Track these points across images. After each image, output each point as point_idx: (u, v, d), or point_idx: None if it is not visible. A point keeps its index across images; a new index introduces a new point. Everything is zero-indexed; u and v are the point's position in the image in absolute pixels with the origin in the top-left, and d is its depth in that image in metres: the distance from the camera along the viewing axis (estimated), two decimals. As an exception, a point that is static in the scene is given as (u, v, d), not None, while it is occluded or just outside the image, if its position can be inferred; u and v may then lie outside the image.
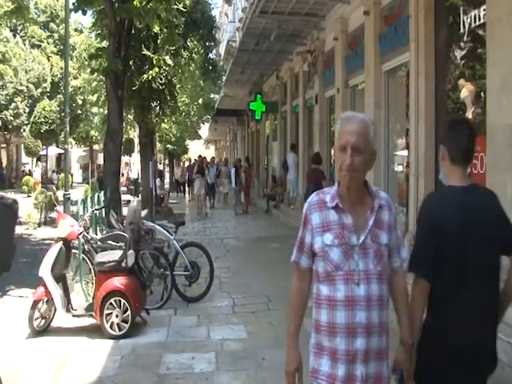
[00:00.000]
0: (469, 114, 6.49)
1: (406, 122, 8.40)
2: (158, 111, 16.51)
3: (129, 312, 5.54)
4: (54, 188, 19.60)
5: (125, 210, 8.98)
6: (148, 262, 7.03)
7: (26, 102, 34.04)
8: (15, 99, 33.04)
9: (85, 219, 6.68)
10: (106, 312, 5.53)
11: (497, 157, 5.38)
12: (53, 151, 36.94)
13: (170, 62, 15.26)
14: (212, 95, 29.66)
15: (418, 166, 7.37)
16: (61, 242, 5.81)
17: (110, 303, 5.55)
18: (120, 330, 5.54)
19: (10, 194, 29.20)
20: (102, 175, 14.86)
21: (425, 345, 2.34)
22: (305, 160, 15.26)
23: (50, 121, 31.95)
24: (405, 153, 8.49)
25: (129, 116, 20.59)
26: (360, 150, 2.14)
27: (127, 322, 5.55)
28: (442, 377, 2.32)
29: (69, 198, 11.43)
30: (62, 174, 24.69)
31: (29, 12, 11.97)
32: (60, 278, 5.74)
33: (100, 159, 39.94)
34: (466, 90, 6.60)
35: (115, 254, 5.92)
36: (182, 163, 39.70)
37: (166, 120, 20.82)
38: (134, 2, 9.04)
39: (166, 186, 30.22)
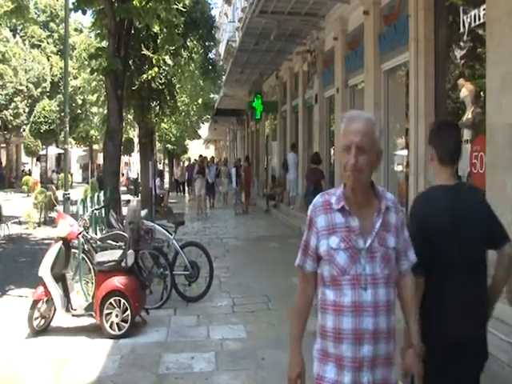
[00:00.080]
0: (468, 114, 6.50)
1: (406, 122, 8.40)
2: (157, 111, 16.49)
3: (128, 312, 5.54)
4: (54, 188, 19.56)
5: (124, 210, 8.97)
6: (148, 261, 7.03)
7: (25, 101, 34.08)
8: (15, 99, 33.07)
9: (84, 219, 6.68)
10: (105, 312, 5.52)
11: (496, 156, 5.38)
12: (52, 151, 36.91)
13: (169, 61, 15.25)
14: (212, 95, 29.65)
15: (417, 166, 7.37)
16: (60, 242, 5.81)
17: (110, 303, 5.55)
18: (120, 329, 5.54)
19: (10, 194, 29.24)
20: (102, 175, 14.88)
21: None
22: (304, 160, 15.27)
23: (49, 121, 31.92)
24: (404, 152, 8.50)
25: (128, 116, 20.59)
26: (365, 150, 2.07)
27: (127, 322, 5.54)
28: (435, 369, 2.36)
29: (68, 198, 11.45)
30: (62, 174, 24.69)
31: (28, 12, 11.97)
32: (60, 278, 5.74)
33: (100, 159, 39.94)
34: (465, 90, 6.60)
35: (115, 254, 5.92)
36: (181, 163, 39.70)
37: (165, 120, 20.81)
38: (134, 2, 9.03)
39: (166, 185, 30.23)
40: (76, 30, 40.15)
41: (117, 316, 5.54)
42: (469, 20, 6.28)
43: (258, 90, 21.82)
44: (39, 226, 14.81)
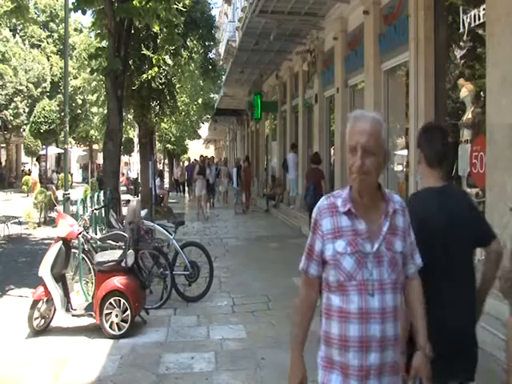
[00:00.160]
0: (468, 114, 6.50)
1: (406, 122, 8.41)
2: (157, 111, 16.50)
3: (128, 312, 5.54)
4: (54, 188, 19.58)
5: (124, 210, 8.98)
6: (148, 261, 7.03)
7: (25, 101, 34.05)
8: (15, 99, 33.06)
9: (84, 219, 6.68)
10: (105, 312, 5.53)
11: (496, 156, 5.38)
12: (52, 151, 36.90)
13: (169, 61, 15.25)
14: (212, 95, 29.66)
15: (417, 166, 7.37)
16: (60, 242, 5.81)
17: (110, 303, 5.55)
18: (119, 329, 5.54)
19: (10, 194, 29.25)
20: (102, 175, 14.88)
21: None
22: (304, 160, 15.27)
23: (49, 120, 31.89)
24: (404, 152, 8.50)
25: (128, 116, 20.60)
26: (371, 151, 2.00)
27: (127, 322, 5.54)
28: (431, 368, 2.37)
29: (68, 198, 11.44)
30: (62, 174, 24.69)
31: (28, 12, 11.95)
32: (60, 278, 5.74)
33: (100, 159, 39.97)
34: (465, 90, 6.61)
35: (115, 254, 5.92)
36: (181, 163, 39.69)
37: (165, 120, 20.79)
38: (134, 2, 9.02)
39: (166, 185, 30.23)
40: (76, 29, 40.13)
41: (117, 316, 5.54)
42: (469, 20, 6.28)
43: (257, 89, 21.82)
44: (39, 226, 14.82)
